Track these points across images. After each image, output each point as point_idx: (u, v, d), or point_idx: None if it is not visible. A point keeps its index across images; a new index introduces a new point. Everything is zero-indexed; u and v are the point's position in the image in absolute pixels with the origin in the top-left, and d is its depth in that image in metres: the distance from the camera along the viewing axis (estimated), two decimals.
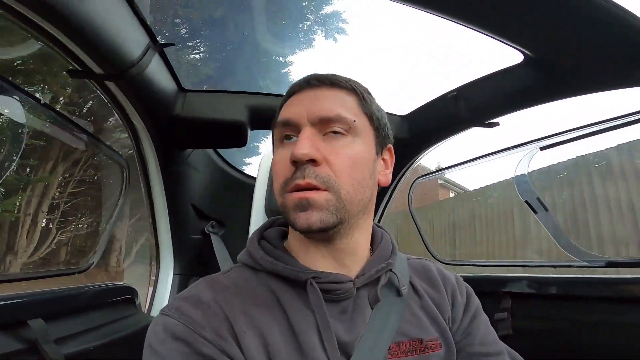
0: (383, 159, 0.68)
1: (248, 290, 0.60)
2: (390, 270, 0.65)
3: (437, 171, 1.53)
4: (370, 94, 0.67)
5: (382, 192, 1.56)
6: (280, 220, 0.74)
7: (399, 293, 0.64)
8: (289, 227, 0.68)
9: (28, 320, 0.83)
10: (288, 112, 0.61)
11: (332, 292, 0.59)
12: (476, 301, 0.72)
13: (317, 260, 0.63)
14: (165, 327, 0.54)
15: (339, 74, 0.66)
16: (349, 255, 0.64)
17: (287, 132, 0.61)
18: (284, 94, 0.69)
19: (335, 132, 0.59)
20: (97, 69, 0.95)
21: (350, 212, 0.58)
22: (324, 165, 0.57)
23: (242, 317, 0.56)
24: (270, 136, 0.74)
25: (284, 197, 0.58)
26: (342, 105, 0.61)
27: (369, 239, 0.68)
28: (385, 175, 0.67)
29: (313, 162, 0.56)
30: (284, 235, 0.70)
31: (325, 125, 0.59)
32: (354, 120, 0.60)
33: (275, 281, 0.61)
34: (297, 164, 0.56)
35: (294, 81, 0.69)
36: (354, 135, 0.60)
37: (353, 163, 0.59)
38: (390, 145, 0.70)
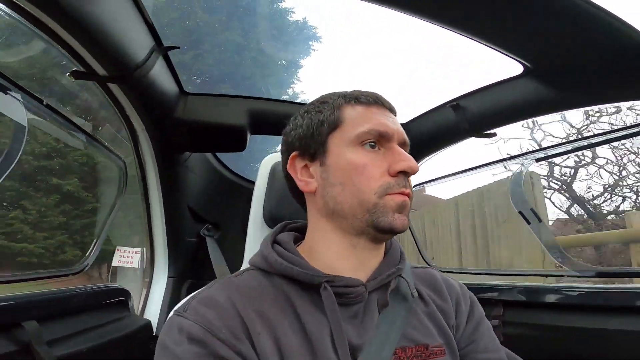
0: None
1: (262, 293, 0.61)
2: (400, 275, 0.66)
3: (431, 180, 1.55)
4: None
5: None
6: (292, 225, 0.75)
7: (405, 298, 0.66)
8: (316, 230, 0.68)
9: (22, 322, 0.83)
10: (382, 124, 0.64)
11: (345, 296, 0.60)
12: (480, 309, 0.74)
13: (340, 261, 0.64)
14: (181, 328, 0.54)
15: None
16: (376, 257, 0.67)
17: (373, 140, 0.64)
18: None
19: None
20: (101, 71, 0.95)
21: None
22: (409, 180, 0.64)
23: (257, 318, 0.57)
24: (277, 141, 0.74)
25: (383, 199, 0.61)
26: None
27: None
28: None
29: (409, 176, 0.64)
30: (295, 240, 0.71)
31: (402, 147, 0.66)
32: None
33: (288, 284, 0.62)
34: (404, 174, 0.63)
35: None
36: None
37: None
38: None
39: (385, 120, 0.65)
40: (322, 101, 0.70)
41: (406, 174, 0.63)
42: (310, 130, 0.67)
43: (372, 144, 0.63)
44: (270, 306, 0.59)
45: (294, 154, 0.69)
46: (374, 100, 0.67)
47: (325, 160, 0.65)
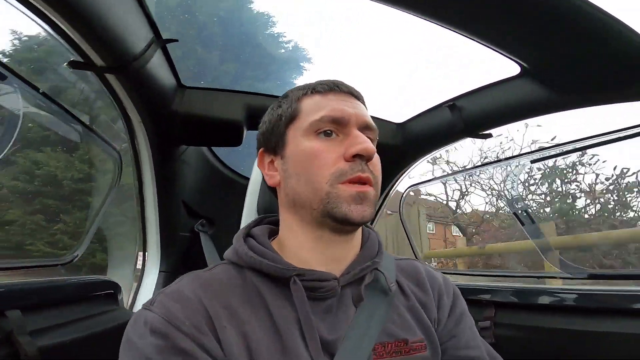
0: None
1: (231, 287, 0.60)
2: (376, 269, 0.65)
3: (428, 180, 1.56)
4: None
5: None
6: (269, 219, 0.74)
7: (384, 292, 0.64)
8: (283, 223, 0.68)
9: (5, 310, 0.81)
10: (335, 109, 0.63)
11: (316, 290, 0.59)
12: (462, 304, 0.73)
13: (310, 255, 0.63)
14: (146, 321, 0.53)
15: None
16: (348, 250, 0.65)
17: (330, 128, 0.62)
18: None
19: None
20: (98, 61, 0.94)
21: None
22: (371, 165, 0.62)
23: (224, 312, 0.56)
24: None
25: (336, 188, 0.59)
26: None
27: (360, 236, 0.69)
28: None
29: (368, 160, 0.61)
30: (272, 234, 0.70)
31: (363, 132, 0.64)
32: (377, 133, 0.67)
33: (259, 278, 0.61)
34: (360, 158, 0.60)
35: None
36: (374, 144, 0.66)
37: (380, 168, 0.65)
38: None
39: (341, 106, 0.63)
40: (284, 96, 0.70)
41: (362, 157, 0.60)
42: (271, 125, 0.68)
43: (328, 132, 0.62)
44: (239, 300, 0.58)
45: (261, 150, 0.70)
46: (330, 87, 0.66)
47: (284, 152, 0.65)
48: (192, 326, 0.53)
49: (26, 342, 0.81)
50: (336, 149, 0.61)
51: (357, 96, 0.68)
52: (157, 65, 1.09)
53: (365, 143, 0.60)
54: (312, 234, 0.63)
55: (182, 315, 0.54)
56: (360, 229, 0.68)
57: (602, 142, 1.04)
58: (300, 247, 0.64)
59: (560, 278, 1.14)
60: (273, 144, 0.67)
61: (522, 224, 1.19)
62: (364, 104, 0.69)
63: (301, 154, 0.62)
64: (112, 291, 1.27)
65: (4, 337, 0.79)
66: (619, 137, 1.02)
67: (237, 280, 0.61)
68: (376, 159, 0.64)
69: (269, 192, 0.96)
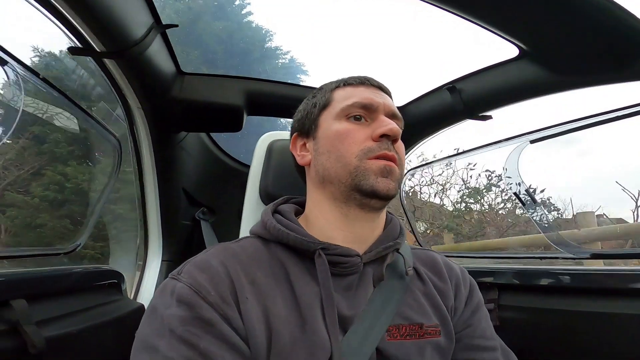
0: None
1: (257, 259, 0.62)
2: (397, 250, 0.67)
3: (427, 163, 1.56)
4: None
5: None
6: (294, 199, 0.78)
7: (402, 276, 0.67)
8: (311, 200, 0.72)
9: (10, 300, 0.79)
10: (366, 97, 0.68)
11: (340, 265, 0.61)
12: (479, 294, 0.75)
13: (336, 233, 0.65)
14: (173, 290, 0.55)
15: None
16: (372, 230, 0.68)
17: (360, 113, 0.68)
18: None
19: None
20: (98, 46, 0.94)
21: None
22: (396, 147, 0.67)
23: (247, 284, 0.57)
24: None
25: (365, 162, 0.63)
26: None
27: (384, 220, 0.72)
28: None
29: (394, 141, 0.66)
30: (297, 213, 0.73)
31: (391, 119, 0.68)
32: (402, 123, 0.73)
33: (284, 251, 0.63)
34: (386, 138, 0.65)
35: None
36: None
37: (404, 152, 0.71)
38: None
39: (371, 95, 0.69)
40: (319, 88, 0.77)
41: (389, 137, 0.65)
42: (305, 112, 0.75)
43: (358, 116, 0.67)
44: (263, 273, 0.60)
45: (294, 134, 0.76)
46: (362, 81, 0.73)
47: (316, 134, 0.71)
48: (218, 296, 0.54)
49: (33, 332, 0.79)
50: (365, 130, 0.66)
51: (385, 90, 0.74)
52: (156, 51, 1.09)
53: (391, 124, 0.65)
54: (339, 210, 0.66)
55: (209, 285, 0.55)
56: (384, 213, 0.71)
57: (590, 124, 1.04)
58: (327, 223, 0.67)
59: (563, 259, 1.13)
60: (306, 128, 0.73)
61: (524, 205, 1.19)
62: (392, 98, 0.74)
63: (332, 134, 0.67)
64: (115, 281, 1.26)
65: (10, 327, 0.77)
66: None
67: (263, 253, 0.64)
68: (401, 143, 0.68)
69: (272, 175, 0.97)
